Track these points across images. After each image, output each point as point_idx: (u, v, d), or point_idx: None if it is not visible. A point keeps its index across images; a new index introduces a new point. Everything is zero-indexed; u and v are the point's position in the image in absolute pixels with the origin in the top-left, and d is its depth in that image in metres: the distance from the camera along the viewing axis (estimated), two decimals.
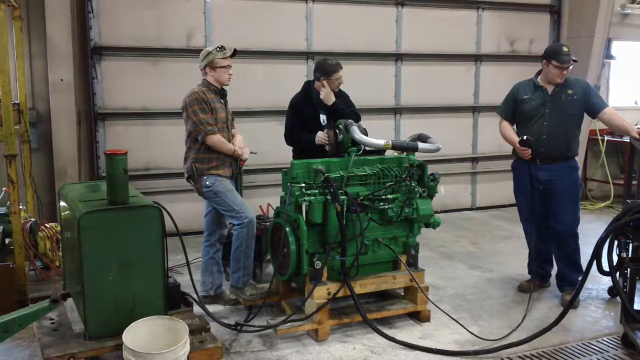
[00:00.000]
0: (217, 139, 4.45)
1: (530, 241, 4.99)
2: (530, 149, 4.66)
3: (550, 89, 4.71)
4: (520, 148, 4.69)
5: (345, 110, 4.83)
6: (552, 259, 4.98)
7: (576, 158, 4.82)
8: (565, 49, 4.64)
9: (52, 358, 3.20)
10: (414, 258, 4.43)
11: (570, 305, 4.09)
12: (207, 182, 4.47)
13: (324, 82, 4.78)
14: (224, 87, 4.65)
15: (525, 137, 4.66)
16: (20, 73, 5.55)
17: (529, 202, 4.81)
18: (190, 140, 4.55)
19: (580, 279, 4.33)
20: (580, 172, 5.18)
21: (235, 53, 4.61)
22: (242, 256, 4.53)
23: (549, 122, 4.66)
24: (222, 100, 4.63)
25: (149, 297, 3.45)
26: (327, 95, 4.80)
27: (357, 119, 4.85)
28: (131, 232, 3.38)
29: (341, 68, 4.89)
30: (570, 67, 4.62)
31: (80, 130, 6.11)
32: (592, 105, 4.69)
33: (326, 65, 4.91)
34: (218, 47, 4.57)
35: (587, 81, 4.92)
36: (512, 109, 4.90)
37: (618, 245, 4.08)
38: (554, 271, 4.96)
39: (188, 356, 3.27)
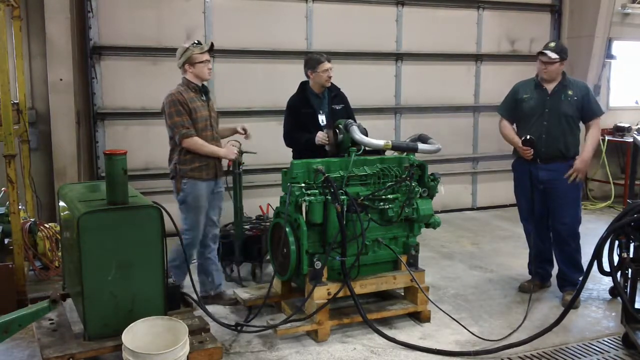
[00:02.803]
0: (192, 142, 4.34)
1: (530, 241, 4.98)
2: (532, 149, 4.64)
3: (550, 88, 4.68)
4: (522, 148, 4.67)
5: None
6: (553, 259, 4.96)
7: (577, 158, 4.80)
8: (551, 44, 4.66)
9: (52, 358, 3.19)
10: (414, 258, 4.42)
11: (570, 305, 4.08)
12: (185, 187, 4.39)
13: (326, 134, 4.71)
14: (204, 83, 4.55)
15: (528, 137, 4.64)
16: (20, 73, 5.55)
17: (529, 201, 4.80)
18: (172, 142, 4.47)
19: (581, 279, 4.32)
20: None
21: (212, 47, 4.51)
22: (173, 270, 4.44)
23: (548, 121, 4.65)
24: (203, 98, 4.52)
25: (148, 297, 3.44)
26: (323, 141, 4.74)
27: None
28: (130, 232, 3.37)
29: (328, 60, 4.87)
30: (556, 63, 4.57)
31: (80, 130, 6.10)
32: (586, 111, 4.68)
33: (312, 59, 4.91)
34: (194, 42, 4.47)
35: (588, 86, 4.88)
36: (512, 108, 4.89)
37: (619, 246, 4.06)
38: (555, 271, 4.94)
39: (188, 357, 3.27)
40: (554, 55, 4.56)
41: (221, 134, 5.08)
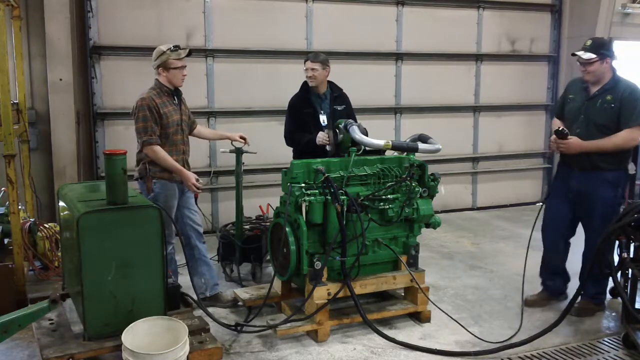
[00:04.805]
0: (152, 151, 4.27)
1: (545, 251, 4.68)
2: (564, 139, 4.19)
3: (593, 90, 4.26)
4: (553, 139, 4.26)
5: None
6: (565, 272, 4.67)
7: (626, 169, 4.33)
8: (587, 42, 4.23)
9: (51, 358, 3.19)
10: (414, 258, 4.42)
11: (570, 306, 4.07)
12: (155, 188, 4.35)
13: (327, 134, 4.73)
14: (178, 87, 4.47)
15: (561, 128, 4.19)
16: (20, 73, 5.54)
17: (557, 208, 4.50)
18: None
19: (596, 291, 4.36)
20: None
21: (190, 53, 4.43)
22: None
23: (581, 129, 4.23)
24: (175, 102, 4.47)
25: (148, 297, 3.44)
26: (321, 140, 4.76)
27: None
28: (130, 233, 3.37)
29: (312, 60, 4.87)
30: (595, 63, 4.13)
31: (80, 130, 6.10)
32: (620, 118, 4.15)
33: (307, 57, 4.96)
34: (172, 46, 4.35)
35: (635, 89, 4.23)
36: (562, 106, 4.54)
37: (619, 246, 4.05)
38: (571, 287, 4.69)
39: (188, 357, 3.27)
40: (587, 56, 4.15)
41: (210, 136, 5.14)
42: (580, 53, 4.21)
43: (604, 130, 4.18)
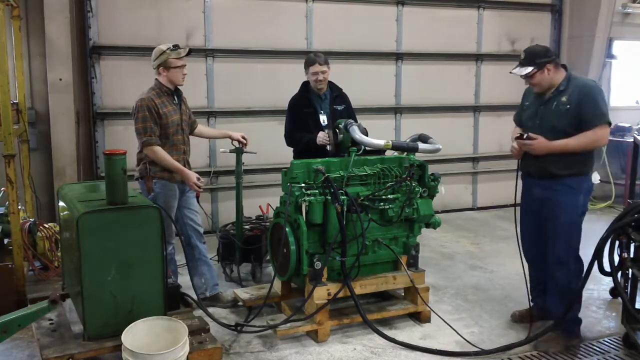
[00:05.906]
0: (152, 151, 4.27)
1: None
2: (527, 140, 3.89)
3: (547, 93, 3.98)
4: (516, 145, 4.01)
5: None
6: None
7: (590, 175, 4.04)
8: (521, 56, 3.96)
9: (51, 359, 3.20)
10: (414, 258, 4.42)
11: (569, 307, 4.06)
12: (155, 188, 4.33)
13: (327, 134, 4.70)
14: (178, 87, 4.47)
15: (523, 134, 3.94)
16: (19, 73, 5.55)
17: (528, 221, 4.23)
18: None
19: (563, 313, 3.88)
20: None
21: (190, 52, 4.42)
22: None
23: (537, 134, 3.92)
24: (175, 102, 4.45)
25: (148, 297, 3.44)
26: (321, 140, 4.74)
27: None
28: (130, 232, 3.37)
29: (321, 63, 4.79)
30: (536, 73, 3.86)
31: (79, 130, 6.10)
32: (581, 121, 3.80)
33: (307, 59, 4.90)
34: (172, 46, 4.34)
35: (592, 87, 3.90)
36: (520, 115, 4.28)
37: (619, 246, 4.04)
38: None
39: (187, 357, 3.27)
40: (524, 71, 3.89)
41: (211, 134, 5.18)
42: (517, 70, 3.94)
43: (560, 133, 3.84)
